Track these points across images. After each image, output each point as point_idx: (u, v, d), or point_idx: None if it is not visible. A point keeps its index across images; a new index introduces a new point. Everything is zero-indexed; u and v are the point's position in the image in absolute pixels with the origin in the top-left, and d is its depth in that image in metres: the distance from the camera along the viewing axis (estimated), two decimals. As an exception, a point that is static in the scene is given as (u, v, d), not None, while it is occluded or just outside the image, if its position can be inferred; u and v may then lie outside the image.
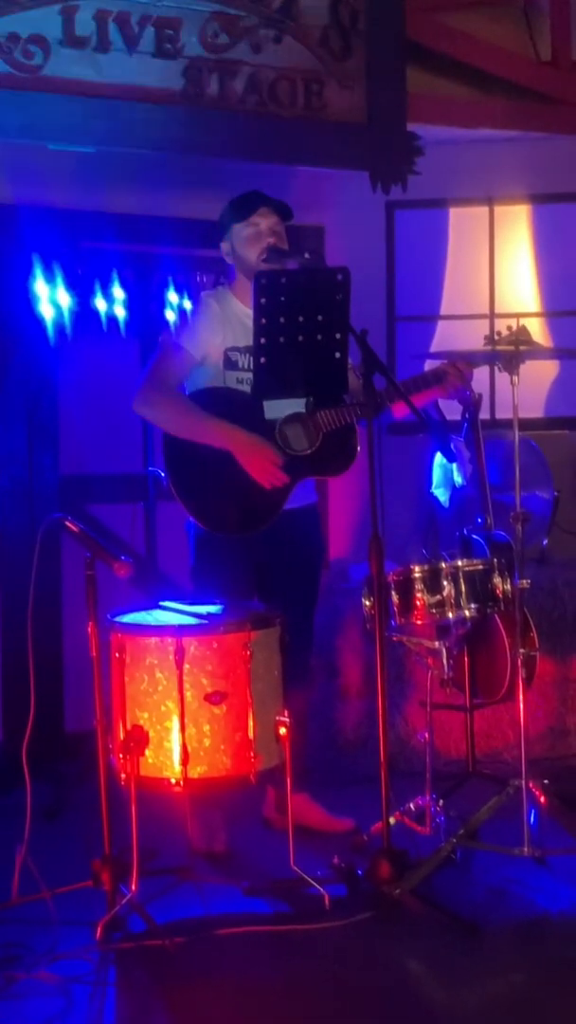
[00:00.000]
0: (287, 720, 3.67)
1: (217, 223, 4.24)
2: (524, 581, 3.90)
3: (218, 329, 4.13)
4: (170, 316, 5.10)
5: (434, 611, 3.91)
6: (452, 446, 4.73)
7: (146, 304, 5.23)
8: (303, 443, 4.10)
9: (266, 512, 4.10)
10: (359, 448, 4.15)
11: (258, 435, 4.04)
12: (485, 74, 5.75)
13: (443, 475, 5.45)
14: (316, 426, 4.09)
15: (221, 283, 4.54)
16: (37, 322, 5.12)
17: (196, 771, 3.59)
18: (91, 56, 4.73)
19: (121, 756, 3.62)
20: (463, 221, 6.37)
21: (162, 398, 4.13)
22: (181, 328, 4.20)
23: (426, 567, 3.94)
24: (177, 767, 3.58)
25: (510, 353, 3.88)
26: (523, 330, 4.00)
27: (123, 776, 3.62)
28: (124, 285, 5.26)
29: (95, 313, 5.24)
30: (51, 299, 5.12)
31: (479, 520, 4.46)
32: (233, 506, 4.09)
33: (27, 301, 5.11)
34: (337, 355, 3.75)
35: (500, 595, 3.94)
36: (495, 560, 3.99)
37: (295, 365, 3.76)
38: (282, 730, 3.66)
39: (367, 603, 3.89)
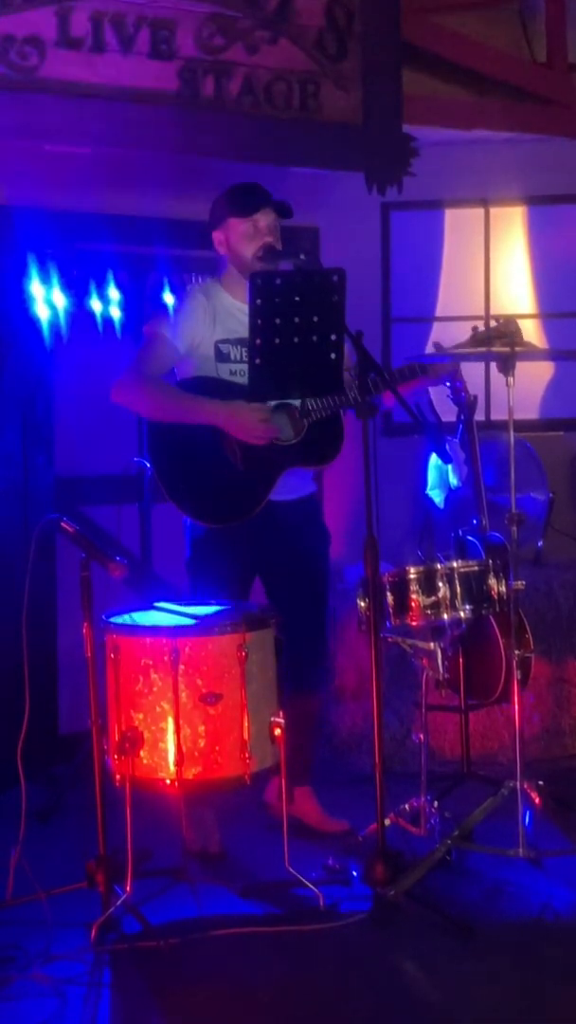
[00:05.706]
0: (282, 721, 3.67)
1: (212, 210, 4.20)
2: (519, 583, 3.90)
3: (206, 322, 4.11)
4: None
5: (429, 612, 3.90)
6: (447, 447, 4.73)
7: (141, 305, 5.22)
8: (288, 433, 4.10)
9: (251, 500, 4.07)
10: (344, 437, 4.14)
11: (237, 400, 4.00)
12: (480, 76, 5.76)
13: (438, 476, 5.46)
14: (302, 416, 4.09)
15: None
16: (32, 323, 5.12)
17: (191, 772, 3.59)
18: (87, 57, 4.73)
19: (116, 757, 3.62)
20: (459, 222, 6.36)
21: (141, 383, 4.09)
22: (165, 319, 4.18)
23: (421, 568, 3.94)
24: (172, 768, 3.58)
25: (505, 354, 3.88)
26: (511, 323, 3.99)
27: (118, 777, 3.62)
28: (119, 286, 5.26)
29: (90, 314, 5.23)
30: (46, 300, 5.12)
31: (474, 521, 4.46)
32: (217, 495, 4.07)
33: (22, 302, 5.10)
34: (332, 356, 3.74)
35: (495, 596, 3.94)
36: (490, 561, 3.99)
37: (290, 366, 3.75)
38: (277, 731, 3.66)
39: (362, 604, 3.88)
